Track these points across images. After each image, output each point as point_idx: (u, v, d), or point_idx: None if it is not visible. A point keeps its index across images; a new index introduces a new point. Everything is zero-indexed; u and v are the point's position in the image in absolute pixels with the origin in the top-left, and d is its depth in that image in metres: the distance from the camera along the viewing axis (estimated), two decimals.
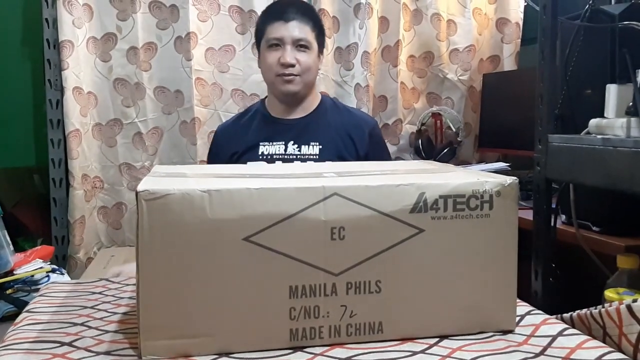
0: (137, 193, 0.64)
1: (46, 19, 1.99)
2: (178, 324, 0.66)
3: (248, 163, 1.63)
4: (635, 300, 0.70)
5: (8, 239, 1.29)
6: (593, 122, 1.06)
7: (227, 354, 0.67)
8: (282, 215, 0.66)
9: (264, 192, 0.66)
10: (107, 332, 0.75)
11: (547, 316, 0.78)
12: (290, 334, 0.68)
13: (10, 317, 1.09)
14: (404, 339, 0.71)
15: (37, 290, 1.05)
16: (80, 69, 2.01)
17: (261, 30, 1.68)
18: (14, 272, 1.26)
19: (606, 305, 0.74)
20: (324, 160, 1.61)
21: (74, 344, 0.71)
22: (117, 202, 2.12)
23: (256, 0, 2.12)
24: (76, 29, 1.99)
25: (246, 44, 2.14)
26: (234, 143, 1.70)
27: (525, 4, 2.29)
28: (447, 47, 2.29)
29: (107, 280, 1.00)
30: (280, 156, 1.65)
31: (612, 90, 1.04)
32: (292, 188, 0.67)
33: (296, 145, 1.65)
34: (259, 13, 2.09)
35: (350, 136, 1.68)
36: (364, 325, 0.70)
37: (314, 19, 1.69)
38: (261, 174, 0.78)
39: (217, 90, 2.14)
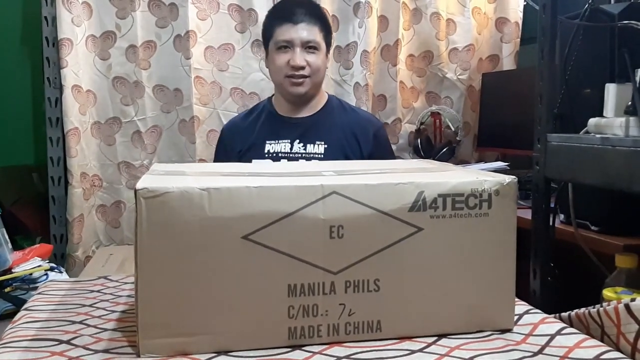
0: (135, 191, 0.64)
1: (45, 17, 1.99)
2: (176, 322, 0.66)
3: (253, 161, 1.63)
4: (633, 300, 0.70)
5: (7, 237, 1.29)
6: (592, 121, 1.06)
7: (225, 352, 0.67)
8: (281, 213, 0.66)
9: (263, 191, 0.66)
10: (105, 330, 0.75)
11: (546, 315, 0.78)
12: (288, 332, 0.68)
13: (9, 315, 1.08)
14: (403, 338, 0.71)
15: (36, 288, 1.05)
16: (79, 67, 2.00)
17: (269, 31, 1.68)
18: (13, 270, 1.26)
19: (604, 304, 0.74)
20: (329, 160, 1.62)
21: (72, 342, 0.71)
22: (116, 200, 2.12)
23: None
24: (75, 27, 1.98)
25: (245, 42, 2.14)
26: (241, 140, 1.70)
27: (525, 3, 2.29)
28: (446, 47, 2.29)
29: (105, 278, 1.00)
30: (286, 154, 1.66)
31: (611, 90, 1.04)
32: (291, 186, 0.67)
33: (302, 144, 1.66)
34: (259, 11, 2.11)
35: (355, 136, 1.69)
36: (363, 324, 0.70)
37: (321, 19, 1.69)
38: (260, 173, 0.78)
39: (217, 89, 2.13)
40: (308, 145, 1.66)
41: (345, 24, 2.18)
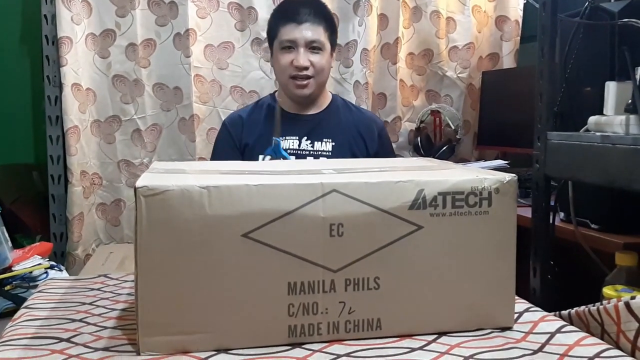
0: (135, 189, 0.64)
1: (45, 15, 1.99)
2: (176, 320, 0.66)
3: (260, 157, 1.63)
4: (633, 298, 0.70)
5: (7, 235, 1.29)
6: (592, 119, 1.06)
7: (225, 350, 0.67)
8: (281, 211, 0.66)
9: (263, 189, 0.66)
10: (105, 328, 0.75)
11: (546, 313, 0.79)
12: (288, 330, 0.68)
13: (9, 314, 1.08)
14: (403, 336, 0.71)
15: (36, 286, 1.05)
16: (79, 66, 2.00)
17: (273, 31, 1.68)
18: (13, 269, 1.26)
19: (604, 302, 0.74)
20: (336, 157, 1.62)
21: (72, 340, 0.71)
22: (116, 198, 2.12)
23: None
24: (75, 26, 1.98)
25: (245, 40, 2.14)
26: (246, 134, 1.70)
27: (525, 1, 2.29)
28: (446, 45, 2.29)
29: (105, 276, 1.00)
30: (294, 151, 1.66)
31: (611, 88, 1.04)
32: (291, 184, 0.67)
33: (309, 141, 1.66)
34: (258, 10, 2.11)
35: (362, 135, 1.70)
36: (363, 322, 0.70)
37: (326, 19, 1.68)
38: (260, 171, 0.78)
39: (216, 87, 2.13)
40: (316, 143, 1.66)
41: (345, 22, 2.18)
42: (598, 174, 1.00)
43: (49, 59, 2.00)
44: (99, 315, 0.79)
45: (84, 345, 0.69)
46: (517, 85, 2.11)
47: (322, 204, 0.67)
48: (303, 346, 0.68)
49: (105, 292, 0.91)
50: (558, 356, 0.66)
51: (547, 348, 0.68)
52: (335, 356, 0.66)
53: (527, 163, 1.51)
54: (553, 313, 0.80)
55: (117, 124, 2.09)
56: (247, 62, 2.15)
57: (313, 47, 1.63)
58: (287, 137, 1.66)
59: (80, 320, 0.77)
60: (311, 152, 1.65)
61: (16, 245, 1.38)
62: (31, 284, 1.22)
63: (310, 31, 1.63)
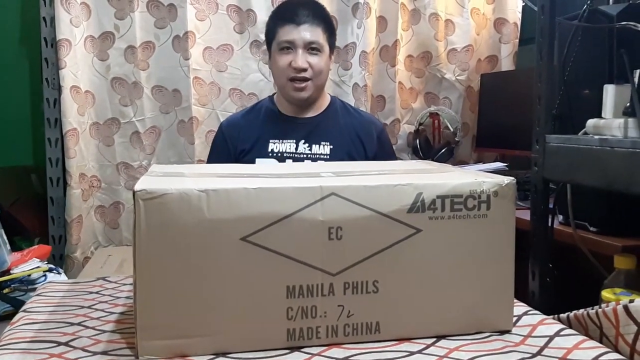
0: (134, 193, 0.64)
1: (44, 18, 1.99)
2: (175, 324, 0.66)
3: (257, 160, 1.63)
4: (632, 301, 0.70)
5: (5, 238, 1.29)
6: (590, 122, 1.06)
7: (224, 354, 0.67)
8: (280, 215, 0.66)
9: (262, 192, 0.66)
10: (104, 331, 0.75)
11: (544, 316, 0.79)
12: (287, 334, 0.68)
13: (7, 317, 1.08)
14: (402, 339, 0.71)
15: (34, 289, 1.05)
16: (77, 68, 2.00)
17: (272, 32, 1.67)
18: (11, 272, 1.26)
19: (603, 305, 0.74)
20: (334, 161, 1.61)
21: (70, 343, 0.70)
22: (115, 201, 2.11)
23: None
24: (74, 28, 1.98)
25: (244, 43, 2.14)
26: (242, 139, 1.68)
27: (524, 4, 2.29)
28: (445, 47, 2.29)
29: (104, 279, 1.00)
30: (291, 154, 1.65)
31: (609, 91, 1.04)
32: (290, 188, 0.67)
33: (307, 145, 1.65)
34: (257, 12, 2.11)
35: (360, 137, 1.69)
36: (362, 325, 0.70)
37: (325, 20, 1.68)
38: (259, 174, 0.78)
39: (215, 90, 2.13)
40: (314, 146, 1.66)
41: (343, 24, 2.18)
42: (596, 176, 1.00)
43: (47, 61, 2.00)
44: (98, 318, 0.79)
45: (83, 349, 0.69)
46: (515, 88, 2.12)
47: (320, 207, 0.67)
48: (302, 350, 0.68)
49: (104, 295, 0.91)
50: (557, 359, 0.66)
51: (545, 351, 0.68)
52: None
53: (526, 165, 1.51)
54: (552, 316, 0.80)
55: (116, 127, 2.09)
56: (246, 64, 2.15)
57: (312, 48, 1.62)
58: (284, 141, 1.66)
59: (79, 324, 0.77)
60: (309, 156, 1.65)
61: (15, 248, 1.38)
62: (30, 287, 1.22)
63: (308, 32, 1.62)
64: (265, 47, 2.11)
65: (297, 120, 1.69)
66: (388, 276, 0.70)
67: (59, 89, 1.97)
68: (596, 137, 1.02)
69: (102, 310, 0.83)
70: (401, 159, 2.23)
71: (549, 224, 1.21)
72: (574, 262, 1.28)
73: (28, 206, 2.09)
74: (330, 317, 0.69)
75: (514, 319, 0.76)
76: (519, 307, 0.80)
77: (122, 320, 0.79)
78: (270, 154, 1.64)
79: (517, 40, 2.32)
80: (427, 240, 0.70)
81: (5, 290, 1.21)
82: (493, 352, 0.68)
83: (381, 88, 2.25)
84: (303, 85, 1.63)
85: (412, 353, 0.68)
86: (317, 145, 1.65)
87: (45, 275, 1.27)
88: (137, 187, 0.64)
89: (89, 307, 0.84)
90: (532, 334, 0.73)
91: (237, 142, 1.69)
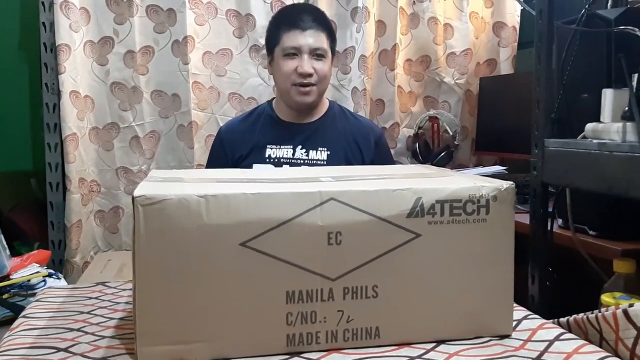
0: (133, 198, 0.64)
1: (43, 23, 1.99)
2: (175, 330, 0.66)
3: (254, 166, 1.63)
4: (631, 305, 0.70)
5: (4, 243, 1.29)
6: (589, 126, 1.06)
7: None
8: (279, 220, 0.66)
9: (261, 197, 0.66)
10: (103, 337, 0.75)
11: (544, 321, 0.79)
12: (287, 339, 0.68)
13: (7, 322, 1.08)
14: (401, 344, 0.71)
15: (34, 294, 1.05)
16: (77, 73, 2.00)
17: (275, 37, 1.66)
18: (11, 277, 1.26)
19: (603, 309, 0.74)
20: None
21: (70, 349, 0.70)
22: (114, 206, 2.11)
23: (253, 4, 2.12)
24: (73, 33, 1.98)
25: (243, 47, 2.15)
26: (240, 144, 1.68)
27: (522, 8, 2.29)
28: (444, 51, 2.30)
29: (103, 284, 1.00)
30: (288, 160, 1.64)
31: (608, 95, 1.04)
32: (289, 193, 0.67)
33: (304, 150, 1.65)
34: (256, 17, 2.11)
35: (357, 143, 1.69)
36: (361, 331, 0.70)
37: (327, 27, 1.68)
38: (258, 179, 0.78)
39: (215, 94, 2.14)
40: (311, 152, 1.65)
41: (343, 29, 2.18)
42: (595, 180, 1.00)
43: (47, 66, 2.00)
44: (97, 324, 0.79)
45: (82, 355, 0.69)
46: (514, 91, 2.12)
47: (320, 212, 0.67)
48: (301, 355, 0.68)
49: (104, 300, 0.91)
50: None
51: (545, 356, 0.68)
52: None
53: (525, 169, 1.51)
54: (551, 320, 0.80)
55: (115, 131, 2.09)
56: (245, 69, 2.15)
57: (317, 54, 1.63)
58: (281, 146, 1.66)
59: (78, 330, 0.77)
60: (305, 161, 1.64)
61: (14, 253, 1.38)
62: (29, 292, 1.22)
63: (314, 38, 1.62)
64: (264, 51, 2.12)
65: (295, 126, 1.69)
66: (387, 281, 0.70)
67: (58, 93, 1.97)
68: (595, 141, 1.02)
69: (102, 316, 0.83)
70: (400, 163, 2.23)
71: (549, 228, 1.21)
72: (573, 266, 1.28)
73: (27, 211, 2.10)
74: (329, 322, 0.69)
75: (514, 323, 0.76)
76: (519, 312, 0.80)
77: (121, 326, 0.79)
78: (267, 160, 1.64)
79: (516, 44, 2.32)
80: (427, 245, 0.70)
81: (5, 296, 1.21)
82: (493, 357, 0.68)
83: (380, 92, 2.25)
84: (308, 89, 1.63)
85: (411, 358, 0.68)
86: (315, 151, 1.65)
87: (44, 281, 1.27)
88: (137, 192, 0.64)
89: (88, 313, 0.84)
90: (532, 339, 0.73)
91: (234, 148, 1.69)
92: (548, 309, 1.12)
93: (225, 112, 2.13)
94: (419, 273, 0.70)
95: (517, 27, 2.32)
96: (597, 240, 1.29)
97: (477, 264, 0.72)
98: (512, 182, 0.73)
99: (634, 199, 0.92)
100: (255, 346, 0.68)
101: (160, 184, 0.72)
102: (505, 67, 2.32)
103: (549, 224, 1.21)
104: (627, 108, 0.98)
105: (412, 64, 2.30)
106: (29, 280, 1.26)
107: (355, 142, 1.69)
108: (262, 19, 2.11)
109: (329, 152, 1.65)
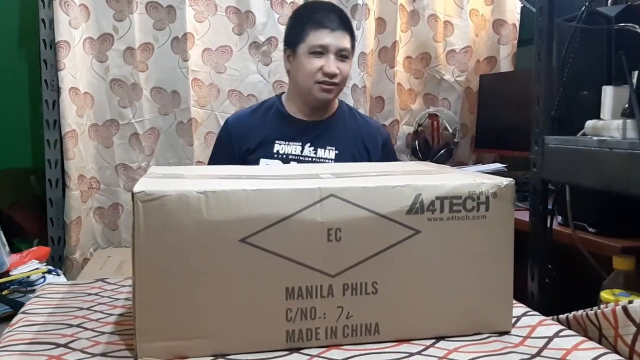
0: (133, 194, 0.64)
1: (43, 20, 1.99)
2: (174, 326, 0.66)
3: (262, 161, 1.62)
4: (631, 302, 0.70)
5: (4, 239, 1.29)
6: (589, 123, 1.06)
7: (223, 356, 0.67)
8: (279, 216, 0.66)
9: (261, 194, 0.66)
10: (103, 333, 0.75)
11: (543, 317, 0.79)
12: (286, 335, 0.68)
13: (6, 318, 1.08)
14: (401, 341, 0.71)
15: (33, 291, 1.05)
16: (76, 70, 2.00)
17: (300, 34, 1.63)
18: (10, 273, 1.26)
19: (602, 306, 0.74)
20: None
21: (69, 345, 0.70)
22: (114, 202, 2.11)
23: (253, 1, 2.12)
24: (73, 30, 1.98)
25: (243, 44, 2.14)
26: (248, 137, 1.66)
27: (522, 5, 2.29)
28: (444, 48, 2.30)
29: (103, 281, 1.00)
30: (296, 157, 1.64)
31: (608, 92, 1.04)
32: (289, 189, 0.67)
33: (312, 148, 1.65)
34: (256, 14, 2.11)
35: (365, 144, 1.69)
36: (361, 327, 0.70)
37: (351, 28, 1.68)
38: (258, 175, 0.78)
39: (214, 91, 2.13)
40: (319, 150, 1.65)
41: None
42: (595, 178, 1.00)
43: (46, 63, 2.00)
44: (97, 320, 0.79)
45: (82, 351, 0.69)
46: (514, 89, 2.12)
47: (319, 208, 0.67)
48: (301, 351, 0.68)
49: (103, 297, 0.91)
50: None
51: (545, 352, 0.68)
52: None
53: (525, 166, 1.51)
54: (551, 317, 0.80)
55: (115, 128, 2.09)
56: (245, 65, 2.15)
57: (342, 55, 1.63)
58: (290, 143, 1.65)
59: (78, 326, 0.77)
60: (313, 159, 1.64)
61: (14, 249, 1.38)
62: (29, 288, 1.22)
63: (341, 39, 1.62)
64: (264, 47, 2.12)
65: (305, 123, 1.68)
66: (387, 277, 0.70)
67: (57, 90, 1.97)
68: (595, 138, 1.02)
69: (101, 312, 0.83)
70: (400, 160, 2.24)
71: (548, 225, 1.21)
72: (573, 263, 1.28)
73: (27, 208, 2.09)
74: (329, 319, 0.69)
75: (513, 319, 0.76)
76: (518, 308, 0.80)
77: (121, 322, 0.79)
78: (275, 155, 1.64)
79: (516, 42, 2.32)
80: (426, 242, 0.70)
81: (4, 292, 1.21)
82: (492, 353, 0.68)
83: (380, 89, 2.25)
84: (331, 87, 1.62)
85: (411, 354, 0.68)
86: (323, 150, 1.65)
87: (44, 277, 1.27)
88: (136, 188, 0.64)
89: (88, 309, 0.84)
90: (531, 335, 0.73)
91: (242, 140, 1.66)
92: (547, 306, 1.12)
93: (224, 109, 2.13)
94: (419, 269, 0.70)
95: (517, 24, 2.32)
96: (596, 237, 1.29)
97: (476, 261, 0.72)
98: (511, 179, 0.73)
99: (633, 196, 0.92)
100: (254, 342, 0.68)
101: (160, 180, 0.72)
102: (505, 65, 2.32)
103: (549, 221, 1.21)
104: (627, 105, 0.98)
105: (412, 62, 2.30)
106: (28, 277, 1.26)
107: (362, 142, 1.69)
108: (262, 16, 2.11)
109: (337, 152, 1.66)
